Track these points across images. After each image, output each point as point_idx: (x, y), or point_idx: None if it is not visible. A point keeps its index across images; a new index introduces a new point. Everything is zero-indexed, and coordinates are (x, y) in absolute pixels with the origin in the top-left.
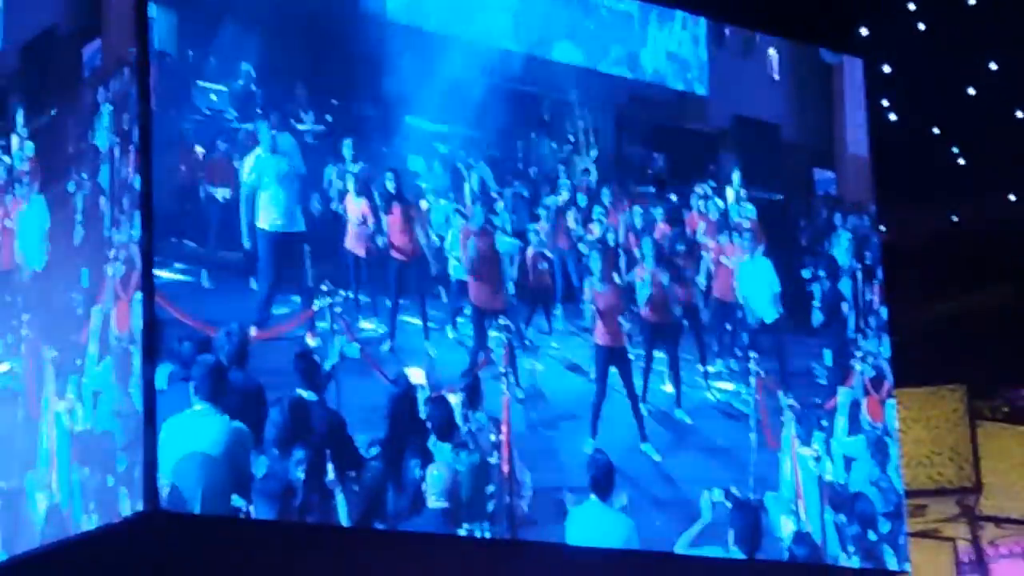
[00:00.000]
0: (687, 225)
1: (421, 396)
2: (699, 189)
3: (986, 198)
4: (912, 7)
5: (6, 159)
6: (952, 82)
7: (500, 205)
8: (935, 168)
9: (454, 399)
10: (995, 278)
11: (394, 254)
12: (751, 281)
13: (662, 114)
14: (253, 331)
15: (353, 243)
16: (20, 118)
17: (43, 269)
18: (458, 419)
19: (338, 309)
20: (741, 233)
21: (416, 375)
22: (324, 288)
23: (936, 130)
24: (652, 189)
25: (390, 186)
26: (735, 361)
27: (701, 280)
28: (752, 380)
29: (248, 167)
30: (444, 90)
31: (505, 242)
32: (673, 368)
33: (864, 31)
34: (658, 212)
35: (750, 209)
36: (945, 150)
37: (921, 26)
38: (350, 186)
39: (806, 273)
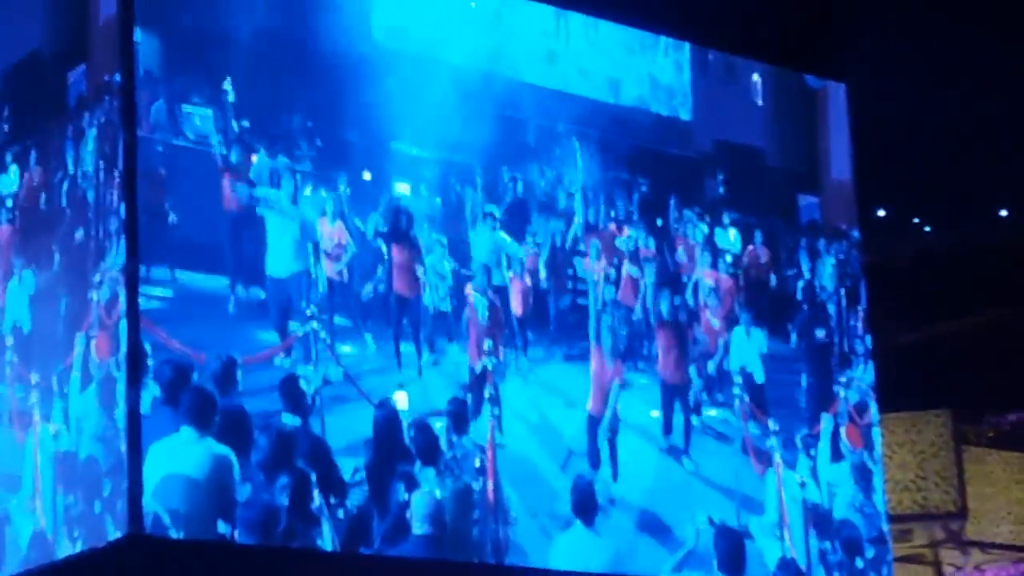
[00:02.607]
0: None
1: (405, 421)
2: (684, 214)
3: (969, 222)
4: (894, 30)
5: None
6: (936, 106)
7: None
8: (919, 191)
9: (438, 424)
10: (979, 302)
11: (396, 290)
12: (741, 350)
13: (645, 139)
14: (239, 356)
15: (328, 267)
16: (5, 142)
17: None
18: (443, 444)
19: (322, 334)
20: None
21: (401, 400)
22: (308, 312)
23: (920, 153)
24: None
25: (384, 224)
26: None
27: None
28: (736, 404)
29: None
30: (429, 115)
31: (481, 302)
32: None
33: (847, 55)
34: (644, 238)
35: (735, 237)
36: (929, 173)
37: (904, 49)
38: (327, 209)
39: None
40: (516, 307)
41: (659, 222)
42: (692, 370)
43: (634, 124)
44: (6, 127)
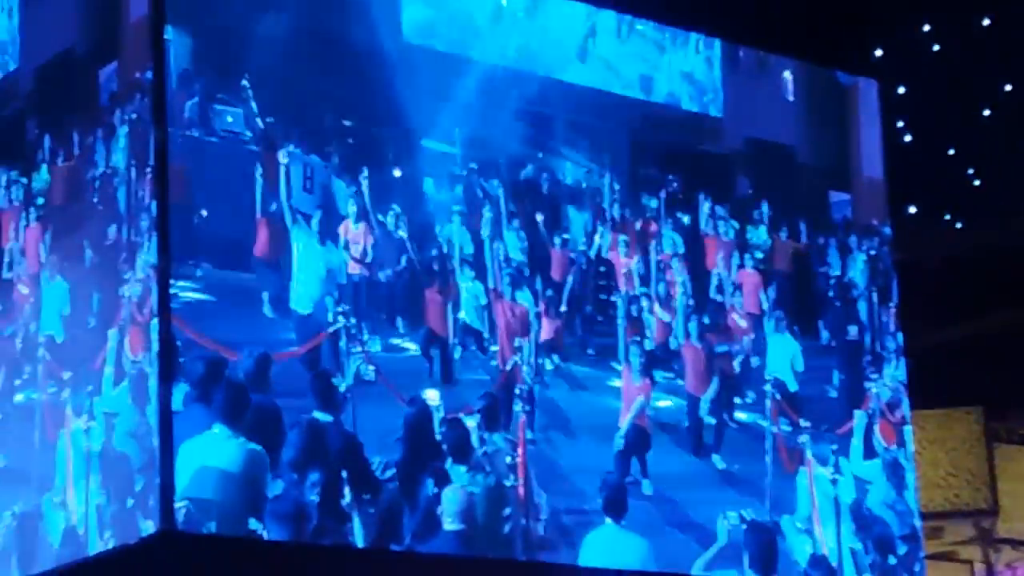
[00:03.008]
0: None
1: (437, 418)
2: (715, 211)
3: (1001, 219)
4: (927, 28)
5: (23, 180)
6: (967, 103)
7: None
8: (951, 189)
9: (470, 421)
10: (1011, 300)
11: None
12: (775, 356)
13: (676, 135)
14: (271, 353)
15: (354, 267)
16: (36, 139)
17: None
18: (474, 441)
19: (354, 331)
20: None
21: (432, 397)
22: (340, 309)
23: (952, 151)
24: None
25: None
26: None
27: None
28: (768, 402)
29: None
30: (458, 112)
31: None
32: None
33: (879, 52)
34: (676, 238)
35: (765, 234)
36: (961, 171)
37: (936, 47)
38: (351, 210)
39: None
40: (545, 306)
41: (688, 220)
42: (717, 376)
43: (665, 121)
44: (37, 125)
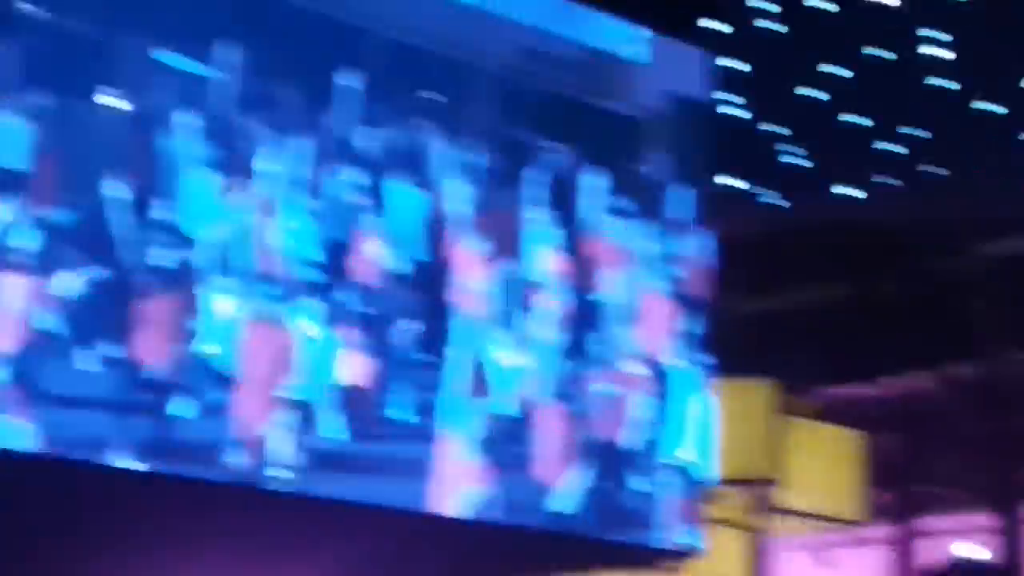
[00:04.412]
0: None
1: None
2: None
3: (816, 198)
4: (771, 9)
5: None
6: (798, 85)
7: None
8: (765, 166)
9: None
10: (815, 277)
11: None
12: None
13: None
14: None
15: None
16: None
17: None
18: None
19: None
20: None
21: None
22: None
23: (775, 128)
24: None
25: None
26: None
27: None
28: None
29: None
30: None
31: None
32: None
33: (716, 27)
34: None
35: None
36: (780, 149)
37: (776, 28)
38: None
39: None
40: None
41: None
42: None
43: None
44: None
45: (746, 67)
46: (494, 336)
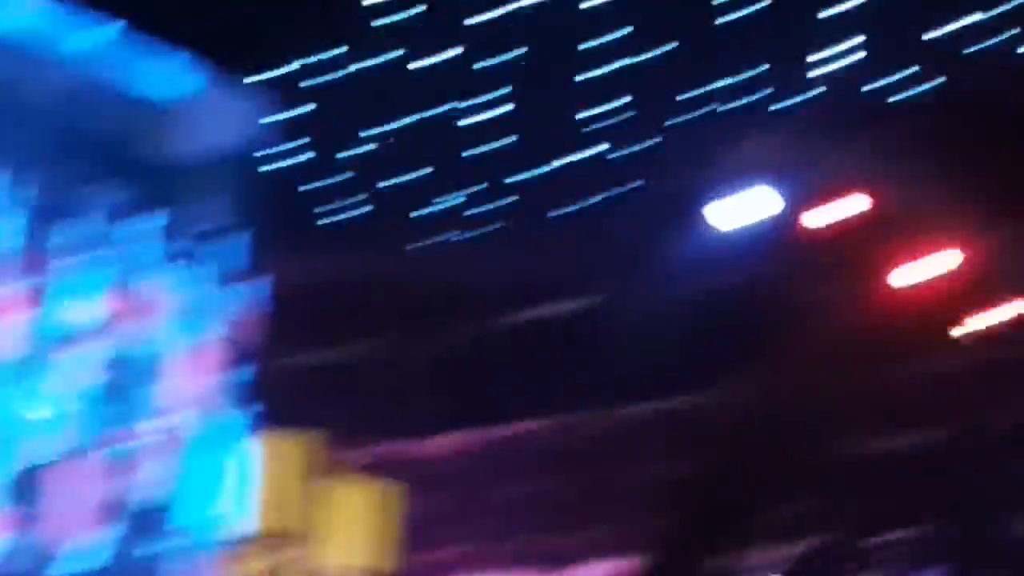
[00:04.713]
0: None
1: None
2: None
3: (371, 251)
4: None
5: None
6: (359, 135)
7: None
8: (329, 216)
9: None
10: (365, 331)
11: None
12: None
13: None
14: None
15: None
16: None
17: None
18: None
19: None
20: None
21: None
22: None
23: (338, 178)
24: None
25: None
26: None
27: None
28: None
29: None
30: None
31: None
32: None
33: (276, 74)
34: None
35: None
36: (343, 200)
37: (341, 74)
38: None
39: None
40: None
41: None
42: None
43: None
44: None
45: (306, 115)
46: (20, 384)
